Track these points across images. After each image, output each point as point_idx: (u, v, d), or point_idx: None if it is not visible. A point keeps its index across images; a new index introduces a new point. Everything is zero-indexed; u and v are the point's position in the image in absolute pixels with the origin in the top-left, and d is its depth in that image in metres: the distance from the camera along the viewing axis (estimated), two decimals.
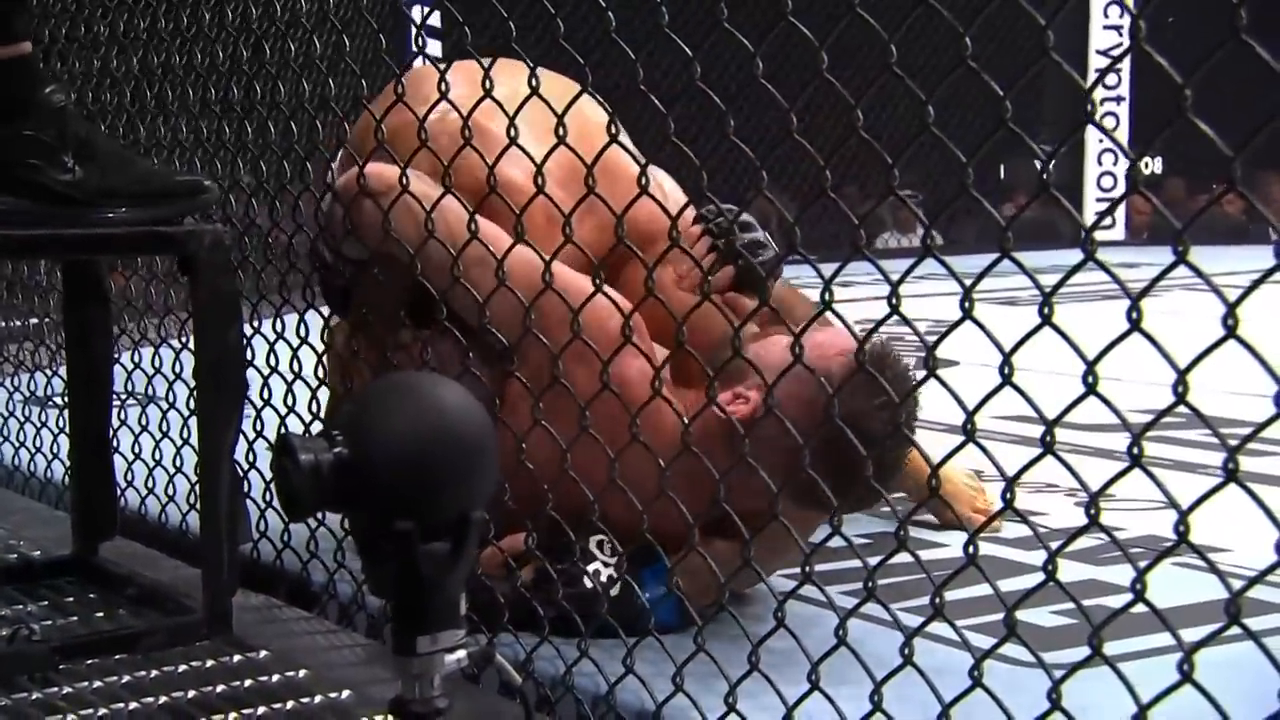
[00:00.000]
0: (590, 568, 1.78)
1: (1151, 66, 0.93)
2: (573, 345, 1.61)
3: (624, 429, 1.54)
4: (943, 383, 1.16)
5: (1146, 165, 7.98)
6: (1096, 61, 9.00)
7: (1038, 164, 1.05)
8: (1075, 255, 1.02)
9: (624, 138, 1.52)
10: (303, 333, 2.05)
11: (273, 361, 2.16)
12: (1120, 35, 9.17)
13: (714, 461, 1.49)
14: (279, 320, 2.14)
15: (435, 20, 6.09)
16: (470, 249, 1.71)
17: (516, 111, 1.60)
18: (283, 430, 1.88)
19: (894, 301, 1.13)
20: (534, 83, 1.55)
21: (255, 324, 2.19)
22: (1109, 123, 8.84)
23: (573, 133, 1.53)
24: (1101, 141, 8.89)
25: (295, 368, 2.09)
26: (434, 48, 6.04)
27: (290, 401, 2.09)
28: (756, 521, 1.43)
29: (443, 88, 1.71)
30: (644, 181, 1.44)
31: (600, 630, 1.64)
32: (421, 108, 1.76)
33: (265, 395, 2.17)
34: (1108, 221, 9.12)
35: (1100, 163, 9.13)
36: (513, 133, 1.60)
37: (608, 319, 1.62)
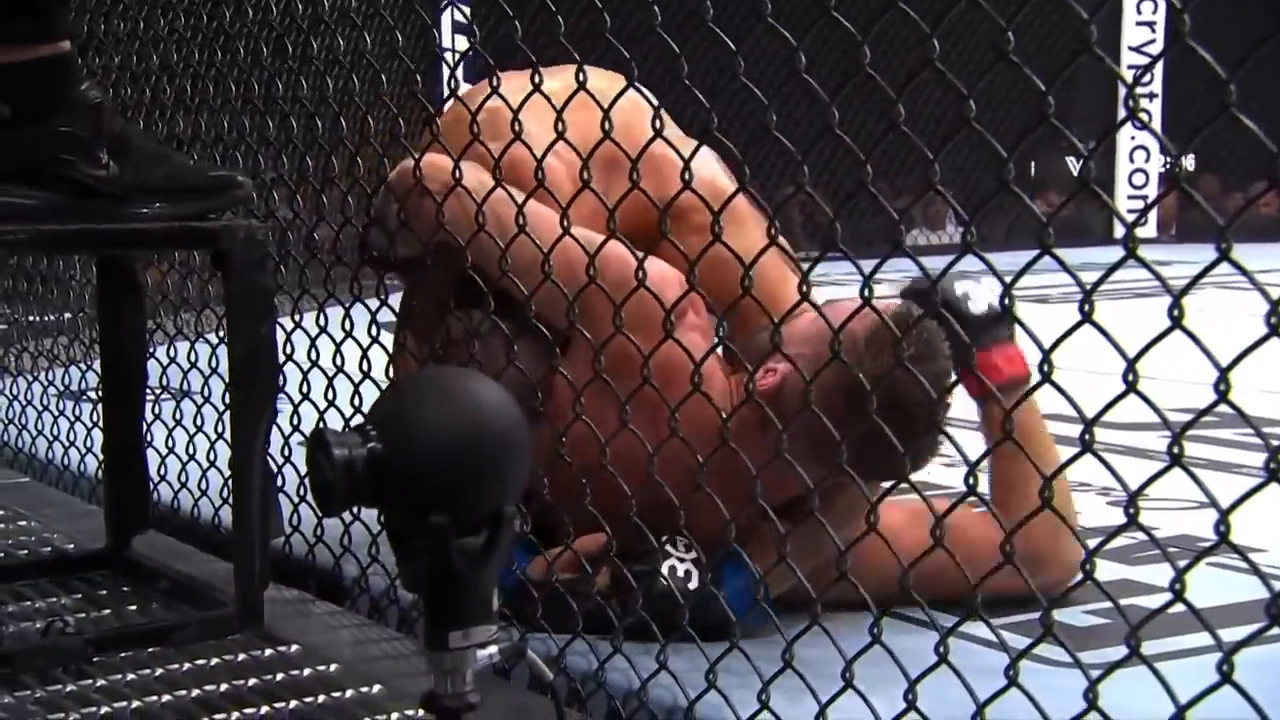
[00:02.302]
0: (665, 566, 1.74)
1: (1185, 63, 0.92)
2: (633, 319, 1.57)
3: (675, 412, 1.52)
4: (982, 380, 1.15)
5: (1171, 164, 7.94)
6: (1129, 58, 8.95)
7: (1070, 160, 1.04)
8: (1106, 252, 1.01)
9: (670, 128, 1.52)
10: (347, 326, 2.05)
11: (313, 356, 2.16)
12: (1153, 31, 9.11)
13: (751, 450, 1.46)
14: (322, 314, 2.14)
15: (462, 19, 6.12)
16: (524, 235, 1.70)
17: (564, 105, 1.59)
18: (320, 425, 1.88)
19: (935, 297, 1.12)
20: (582, 78, 1.55)
21: (297, 318, 2.19)
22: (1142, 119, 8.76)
23: (617, 126, 1.53)
24: (1134, 138, 8.83)
25: (338, 362, 2.09)
26: (462, 43, 6.05)
27: (331, 396, 2.09)
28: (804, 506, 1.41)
29: (494, 89, 1.74)
30: (688, 176, 1.44)
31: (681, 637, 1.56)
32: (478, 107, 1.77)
33: (304, 390, 2.17)
34: (1134, 218, 9.06)
35: (1132, 160, 9.07)
36: (561, 128, 1.60)
37: (666, 291, 1.60)
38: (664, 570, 1.73)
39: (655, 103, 1.54)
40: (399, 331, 2.00)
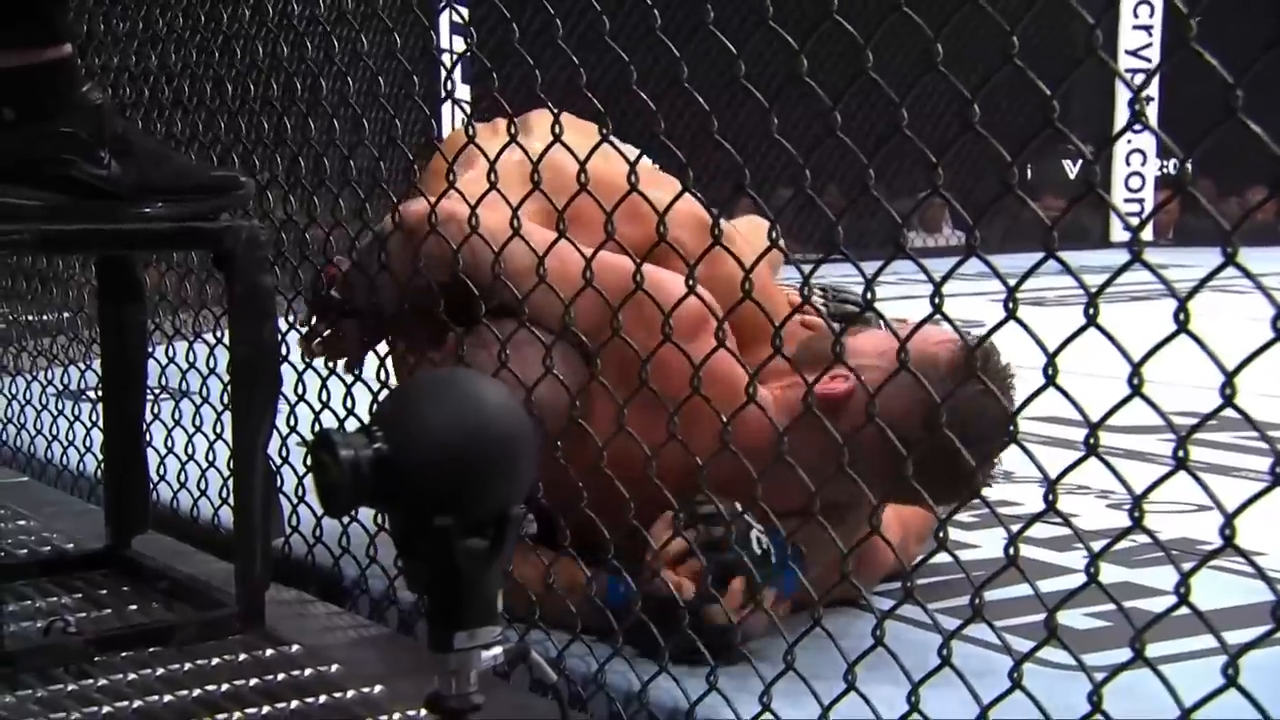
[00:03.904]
0: (752, 535, 1.70)
1: (1181, 66, 0.92)
2: (665, 342, 1.56)
3: (717, 421, 1.51)
4: (987, 385, 1.16)
5: (1177, 167, 7.96)
6: (1126, 61, 8.97)
7: (1066, 163, 1.04)
8: (1103, 256, 1.02)
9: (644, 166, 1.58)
10: None
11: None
12: (1150, 35, 9.13)
13: (810, 447, 1.43)
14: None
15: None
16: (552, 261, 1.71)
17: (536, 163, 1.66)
18: (322, 426, 1.88)
19: (937, 301, 1.13)
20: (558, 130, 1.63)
21: (293, 319, 2.19)
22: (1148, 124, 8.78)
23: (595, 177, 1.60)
24: (1130, 142, 8.85)
25: (331, 364, 2.10)
26: (459, 45, 6.04)
27: (325, 396, 2.10)
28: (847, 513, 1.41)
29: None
30: (718, 234, 1.45)
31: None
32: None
33: (300, 390, 2.17)
34: (1139, 223, 9.08)
35: (1129, 163, 9.09)
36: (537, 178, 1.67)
37: (697, 315, 1.61)
38: (752, 536, 1.70)
39: (629, 155, 1.59)
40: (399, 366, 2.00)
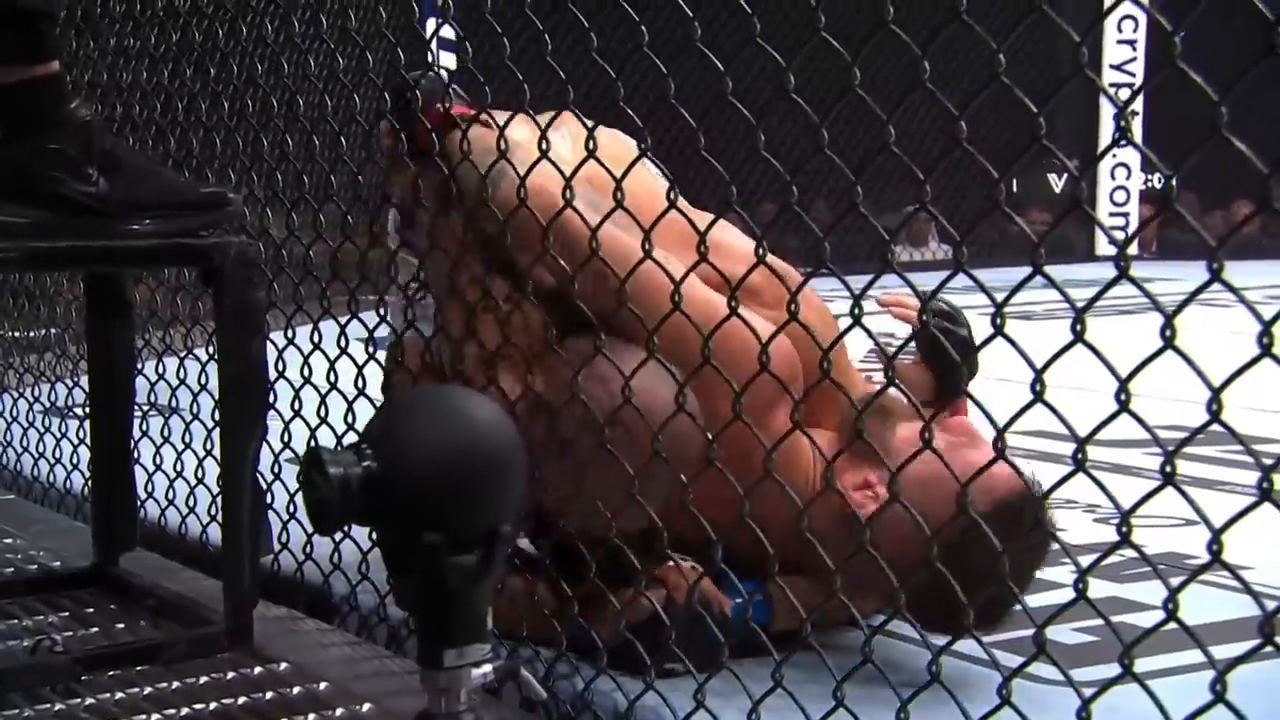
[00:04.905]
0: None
1: (1165, 81, 0.93)
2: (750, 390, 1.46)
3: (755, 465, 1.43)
4: (975, 400, 1.16)
5: (1160, 182, 7.99)
6: (1110, 76, 9.01)
7: (1051, 177, 1.05)
8: (1088, 270, 1.02)
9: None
10: (342, 344, 2.05)
11: (306, 372, 2.16)
12: (1134, 50, 9.17)
13: (828, 541, 1.40)
14: (316, 331, 2.14)
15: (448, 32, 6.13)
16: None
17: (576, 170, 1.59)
18: (314, 443, 1.87)
19: (925, 317, 1.13)
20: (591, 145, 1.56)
21: (289, 334, 2.19)
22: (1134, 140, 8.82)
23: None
24: (1115, 156, 8.88)
25: (331, 378, 2.09)
26: (448, 60, 6.05)
27: (323, 413, 2.09)
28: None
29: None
30: (761, 252, 1.40)
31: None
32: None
33: (296, 406, 2.17)
34: (1125, 237, 9.12)
35: (1114, 177, 9.12)
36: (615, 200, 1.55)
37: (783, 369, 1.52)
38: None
39: (669, 176, 1.53)
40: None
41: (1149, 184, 9.28)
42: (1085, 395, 1.08)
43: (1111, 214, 9.05)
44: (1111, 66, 9.09)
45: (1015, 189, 9.24)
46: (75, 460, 2.82)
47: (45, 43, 1.82)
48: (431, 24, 5.27)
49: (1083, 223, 8.41)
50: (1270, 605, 0.96)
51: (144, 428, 2.51)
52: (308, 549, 2.14)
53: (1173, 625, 1.02)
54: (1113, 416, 1.01)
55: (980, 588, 1.20)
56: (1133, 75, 9.11)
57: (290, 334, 2.20)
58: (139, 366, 2.33)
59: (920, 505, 1.30)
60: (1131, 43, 9.18)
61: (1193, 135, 0.97)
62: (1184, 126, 0.95)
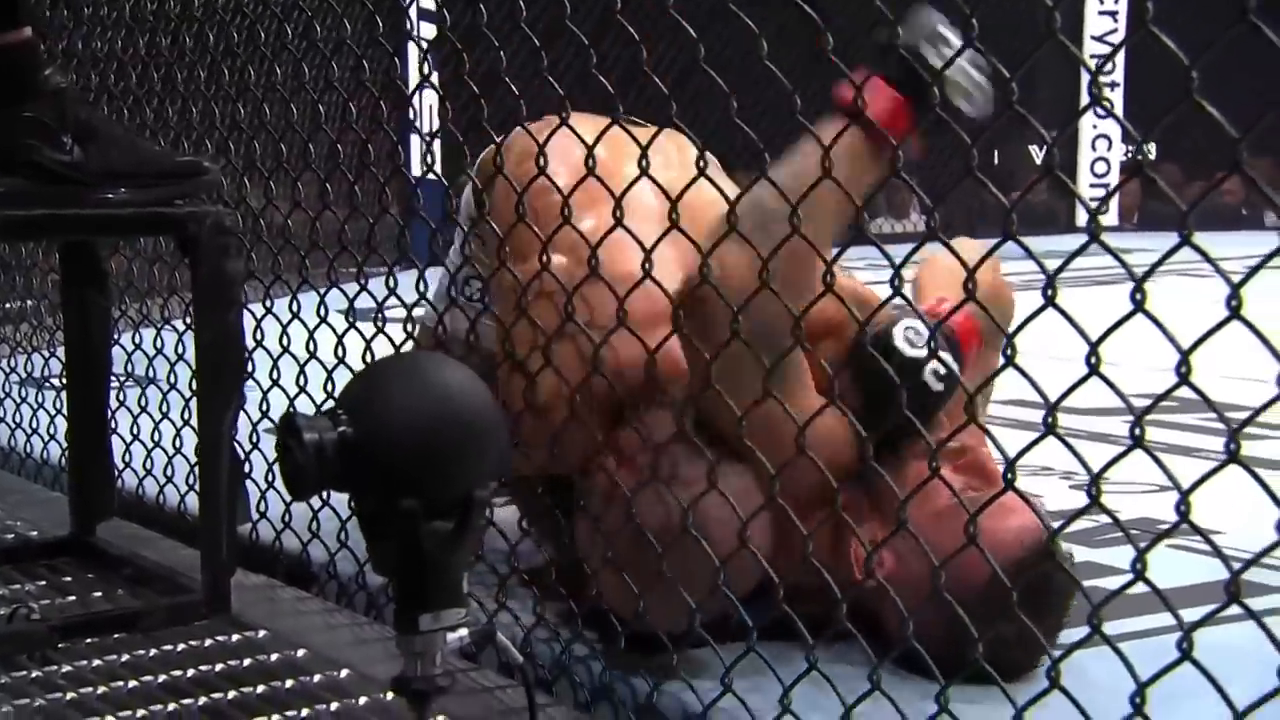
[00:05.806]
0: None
1: (1146, 51, 0.93)
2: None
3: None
4: (945, 365, 1.17)
5: (1145, 151, 8.03)
6: (1091, 47, 9.01)
7: (1033, 149, 1.05)
8: (1071, 240, 1.03)
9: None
10: (322, 313, 2.05)
11: (284, 342, 2.15)
12: (1115, 20, 9.18)
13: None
14: (295, 300, 2.13)
15: (429, 4, 6.10)
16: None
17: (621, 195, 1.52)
18: (291, 410, 1.87)
19: (896, 284, 1.14)
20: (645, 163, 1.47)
21: (268, 304, 2.19)
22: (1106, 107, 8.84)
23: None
24: (1096, 127, 8.89)
25: (310, 348, 2.09)
26: (427, 30, 6.03)
27: (302, 382, 2.09)
28: None
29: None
30: (828, 279, 1.30)
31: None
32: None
33: (274, 376, 2.16)
34: (1097, 206, 9.13)
35: (1094, 148, 9.14)
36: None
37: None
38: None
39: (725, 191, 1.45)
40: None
41: (1130, 155, 9.30)
42: (1063, 364, 1.08)
43: (1092, 184, 9.06)
44: (1093, 37, 9.09)
45: (997, 161, 9.25)
46: (53, 430, 2.82)
47: (18, 9, 1.80)
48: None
49: (1065, 193, 8.43)
50: (1237, 567, 0.96)
51: (121, 398, 2.51)
52: (286, 517, 2.14)
53: (1143, 588, 1.03)
54: (1082, 380, 1.01)
55: (1005, 646, 1.22)
56: (1114, 47, 9.11)
57: (269, 304, 2.19)
58: (115, 337, 2.32)
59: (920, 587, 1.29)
60: (1113, 13, 9.19)
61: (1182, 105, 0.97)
62: (1166, 100, 0.95)
